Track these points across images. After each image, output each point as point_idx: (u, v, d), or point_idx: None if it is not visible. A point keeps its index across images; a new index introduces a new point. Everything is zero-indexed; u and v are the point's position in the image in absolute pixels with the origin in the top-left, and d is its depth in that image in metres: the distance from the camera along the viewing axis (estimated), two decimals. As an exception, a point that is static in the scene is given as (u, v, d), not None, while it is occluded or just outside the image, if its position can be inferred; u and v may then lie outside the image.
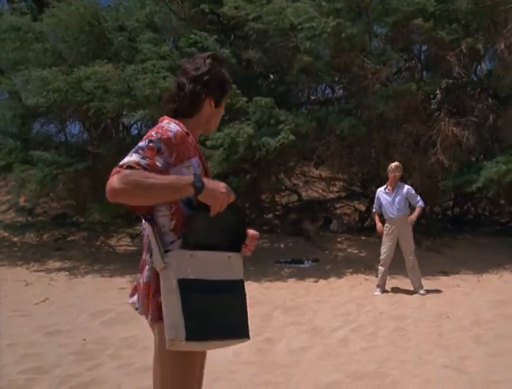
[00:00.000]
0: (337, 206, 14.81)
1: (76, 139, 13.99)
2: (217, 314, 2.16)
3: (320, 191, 15.34)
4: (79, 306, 7.52)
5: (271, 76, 12.22)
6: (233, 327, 2.23)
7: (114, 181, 2.05)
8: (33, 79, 10.41)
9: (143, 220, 2.28)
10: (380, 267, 8.36)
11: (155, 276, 2.20)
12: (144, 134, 2.27)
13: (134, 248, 11.94)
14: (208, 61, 2.38)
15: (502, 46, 9.72)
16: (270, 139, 9.58)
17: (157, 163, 2.13)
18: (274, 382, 4.55)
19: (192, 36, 10.34)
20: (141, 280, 2.32)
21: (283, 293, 8.50)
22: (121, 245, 12.17)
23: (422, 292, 8.14)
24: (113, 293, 8.48)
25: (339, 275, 9.73)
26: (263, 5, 10.35)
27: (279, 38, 10.73)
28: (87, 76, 9.93)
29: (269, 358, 5.20)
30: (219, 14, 11.31)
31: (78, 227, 12.45)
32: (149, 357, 5.15)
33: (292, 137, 9.59)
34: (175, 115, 2.37)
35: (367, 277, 9.47)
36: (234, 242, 2.35)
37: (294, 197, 14.80)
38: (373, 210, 8.55)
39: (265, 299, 7.97)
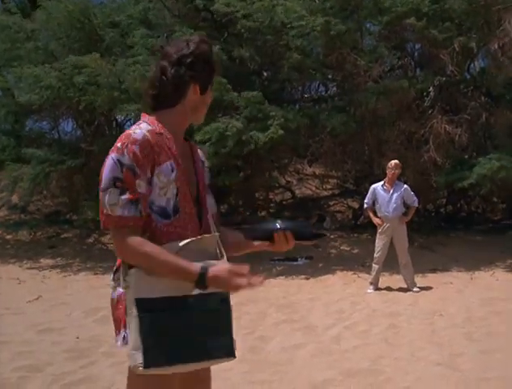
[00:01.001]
0: (330, 203, 14.82)
1: (69, 137, 13.94)
2: (183, 335, 1.95)
3: (313, 189, 15.34)
4: (72, 304, 7.51)
5: (264, 73, 12.22)
6: (209, 347, 2.01)
7: (121, 248, 1.98)
8: (25, 77, 10.39)
9: None
10: (374, 265, 8.37)
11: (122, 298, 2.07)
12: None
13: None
14: (192, 43, 2.13)
15: (496, 46, 9.75)
16: (260, 134, 9.59)
17: (139, 189, 1.98)
18: (267, 381, 4.55)
19: (179, 33, 10.34)
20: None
21: (277, 291, 8.51)
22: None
23: (415, 289, 8.17)
24: (106, 291, 8.31)
25: (333, 272, 9.74)
26: (253, 3, 10.35)
27: (270, 36, 10.74)
28: (77, 68, 9.89)
29: (262, 356, 5.20)
30: (212, 11, 11.30)
31: (72, 224, 12.40)
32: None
33: (281, 132, 9.58)
34: (157, 104, 2.14)
35: (360, 274, 9.48)
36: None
37: (288, 194, 14.79)
38: (366, 205, 8.47)
39: (258, 297, 7.97)
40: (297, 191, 15.07)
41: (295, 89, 13.77)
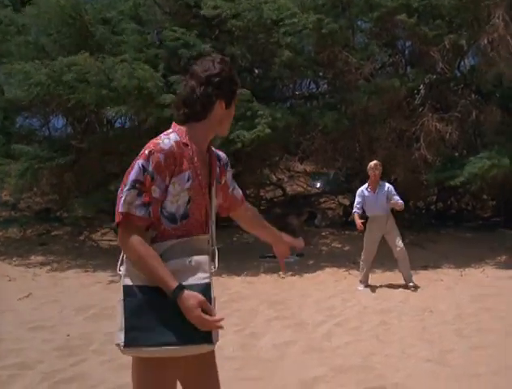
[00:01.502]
0: (321, 200, 14.86)
1: (60, 134, 13.89)
2: (162, 322, 2.12)
3: (304, 186, 15.38)
4: (63, 301, 7.48)
5: (256, 71, 12.22)
6: (186, 333, 2.12)
7: (124, 242, 2.23)
8: (15, 73, 10.32)
9: None
10: (362, 263, 8.38)
11: None
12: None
13: (118, 243, 11.89)
14: (217, 62, 2.35)
15: (485, 41, 9.78)
16: (246, 132, 9.58)
17: (153, 194, 2.19)
18: (258, 377, 4.56)
19: (171, 32, 10.32)
20: None
21: (268, 288, 8.52)
22: (105, 240, 12.11)
23: (411, 284, 8.14)
24: (97, 288, 8.45)
25: (324, 269, 9.76)
26: (241, 3, 10.33)
27: (260, 34, 10.72)
28: (66, 66, 9.84)
29: (253, 353, 5.21)
30: (203, 8, 11.27)
31: (62, 222, 12.37)
32: (133, 353, 5.11)
33: (268, 130, 9.57)
34: (186, 119, 2.34)
35: (351, 271, 9.50)
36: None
37: (279, 192, 14.82)
38: (355, 209, 8.32)
39: (249, 294, 7.99)
40: (288, 188, 15.10)
41: (286, 87, 13.79)
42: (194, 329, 2.13)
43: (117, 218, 2.21)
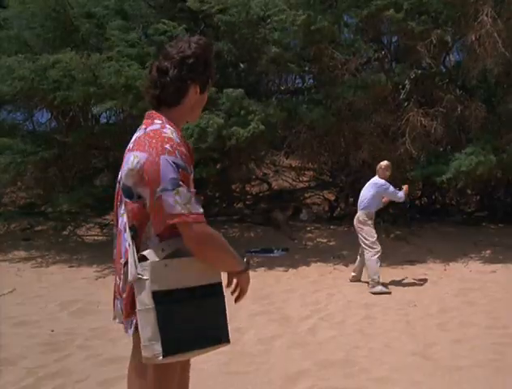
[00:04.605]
0: (307, 195, 14.89)
1: (44, 128, 13.79)
2: (197, 323, 2.09)
3: (290, 181, 15.39)
4: (47, 297, 7.44)
5: (241, 65, 12.19)
6: (214, 333, 2.17)
7: (205, 239, 2.10)
8: (-2, 67, 10.21)
9: (124, 228, 2.19)
10: (377, 259, 7.74)
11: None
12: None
13: (103, 238, 11.84)
14: (193, 43, 2.21)
15: (473, 38, 9.82)
16: (241, 129, 9.58)
17: (191, 188, 2.13)
18: (243, 372, 4.57)
19: (160, 24, 10.26)
20: (121, 285, 2.23)
21: (253, 282, 8.39)
22: (90, 235, 12.05)
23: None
24: (81, 283, 8.41)
25: (309, 264, 9.79)
26: (229, -2, 10.32)
27: (247, 29, 10.69)
28: (52, 63, 9.76)
29: (238, 348, 5.22)
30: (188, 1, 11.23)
31: (47, 217, 12.27)
32: (118, 348, 5.14)
33: (262, 127, 9.60)
34: (158, 104, 2.22)
35: (336, 266, 9.55)
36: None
37: (264, 186, 14.82)
38: (397, 192, 8.03)
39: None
40: (274, 183, 15.11)
41: (272, 81, 13.78)
42: (222, 328, 2.22)
43: (181, 219, 2.04)
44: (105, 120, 13.73)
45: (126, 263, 2.12)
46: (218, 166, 11.31)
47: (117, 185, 2.29)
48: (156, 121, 2.18)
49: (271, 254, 10.24)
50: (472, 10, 9.85)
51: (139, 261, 2.06)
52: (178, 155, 2.06)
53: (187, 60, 2.17)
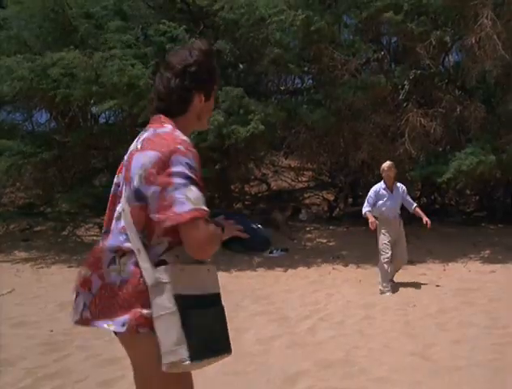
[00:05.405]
0: (306, 195, 14.90)
1: (43, 128, 13.80)
2: (213, 330, 2.09)
3: (289, 181, 15.40)
4: (46, 297, 7.45)
5: (241, 66, 12.20)
6: (225, 342, 2.16)
7: (207, 235, 2.05)
8: (-3, 67, 10.21)
9: (128, 231, 2.13)
10: (385, 265, 7.72)
11: (133, 285, 2.04)
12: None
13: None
14: (194, 51, 2.17)
15: (473, 40, 9.82)
16: (241, 128, 9.58)
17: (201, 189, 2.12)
18: (242, 372, 4.56)
19: (161, 25, 10.25)
20: (98, 280, 2.14)
21: (253, 283, 8.52)
22: (89, 236, 12.04)
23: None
24: (81, 284, 8.38)
25: (308, 264, 9.79)
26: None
27: (249, 29, 10.69)
28: (53, 62, 9.76)
29: (238, 348, 5.16)
30: (188, 3, 11.23)
31: (46, 217, 12.27)
32: (117, 349, 5.11)
33: (261, 127, 9.60)
34: (163, 115, 2.18)
35: (335, 266, 9.54)
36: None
37: (263, 187, 14.83)
38: (367, 208, 7.73)
39: (234, 288, 7.98)
40: (273, 183, 15.12)
41: (271, 82, 13.79)
42: (228, 337, 2.20)
43: (191, 215, 1.99)
44: (104, 120, 13.75)
45: (124, 255, 2.09)
46: (217, 166, 11.31)
47: (114, 186, 2.25)
48: (166, 125, 2.16)
49: (270, 255, 10.15)
50: (472, 13, 9.85)
51: (156, 265, 2.03)
52: (192, 156, 2.06)
53: (189, 69, 2.15)
